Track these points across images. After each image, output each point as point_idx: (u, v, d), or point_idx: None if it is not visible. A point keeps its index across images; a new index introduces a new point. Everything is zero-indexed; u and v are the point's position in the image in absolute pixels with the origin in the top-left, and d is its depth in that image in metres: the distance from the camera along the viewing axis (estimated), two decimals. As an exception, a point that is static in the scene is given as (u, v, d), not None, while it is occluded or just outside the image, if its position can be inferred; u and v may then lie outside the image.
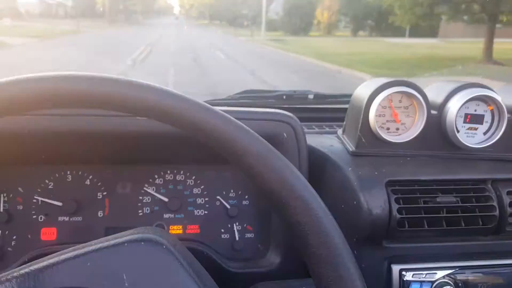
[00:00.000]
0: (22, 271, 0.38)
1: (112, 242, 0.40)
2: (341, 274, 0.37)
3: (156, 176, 0.78)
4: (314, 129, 0.98)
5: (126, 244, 0.40)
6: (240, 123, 0.39)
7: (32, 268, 0.38)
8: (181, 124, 0.38)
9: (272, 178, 0.38)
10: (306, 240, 0.38)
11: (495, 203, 0.67)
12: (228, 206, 0.79)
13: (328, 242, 0.37)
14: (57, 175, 0.75)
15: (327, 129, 0.98)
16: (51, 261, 0.39)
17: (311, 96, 1.12)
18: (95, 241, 0.41)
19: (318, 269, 0.38)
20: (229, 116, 0.39)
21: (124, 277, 0.38)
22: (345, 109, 0.82)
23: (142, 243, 0.40)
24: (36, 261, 0.39)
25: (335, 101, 1.13)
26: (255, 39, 24.55)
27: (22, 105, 0.35)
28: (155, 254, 0.40)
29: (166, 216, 0.78)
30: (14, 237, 0.74)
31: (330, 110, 1.12)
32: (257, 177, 0.38)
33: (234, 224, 0.79)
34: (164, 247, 0.40)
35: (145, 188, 0.78)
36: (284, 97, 1.12)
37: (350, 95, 0.80)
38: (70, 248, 0.40)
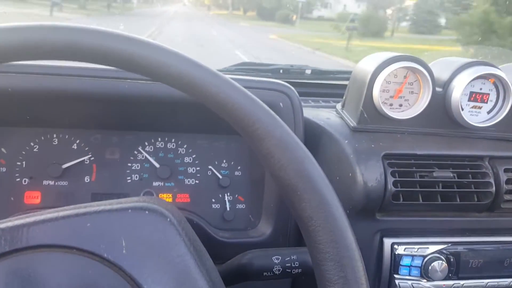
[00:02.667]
0: (18, 222, 0.36)
1: (115, 206, 0.38)
2: (346, 276, 0.35)
3: (146, 143, 0.76)
4: (310, 103, 0.96)
5: (130, 210, 0.38)
6: (265, 105, 0.37)
7: (28, 220, 0.36)
8: (204, 98, 0.36)
9: (290, 167, 0.35)
10: (316, 235, 0.36)
11: (491, 180, 0.67)
12: (220, 176, 0.77)
13: (338, 241, 0.35)
14: (42, 138, 0.73)
15: (324, 103, 0.96)
16: (50, 216, 0.37)
17: (308, 71, 1.09)
18: (97, 202, 0.39)
19: (323, 266, 0.36)
20: (254, 96, 0.37)
21: (123, 243, 0.36)
22: (343, 85, 0.80)
23: (147, 212, 0.38)
24: (34, 213, 0.37)
25: (333, 77, 1.11)
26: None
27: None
28: (158, 225, 0.38)
29: (155, 184, 0.76)
30: None
31: (327, 86, 1.09)
32: (274, 163, 0.36)
33: (226, 195, 0.78)
34: (168, 220, 0.38)
35: (134, 155, 0.76)
36: (281, 71, 1.09)
37: (348, 72, 0.79)
38: (71, 206, 0.38)
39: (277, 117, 0.37)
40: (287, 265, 0.58)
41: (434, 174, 0.65)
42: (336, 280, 0.35)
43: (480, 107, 0.72)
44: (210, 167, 0.78)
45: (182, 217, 0.42)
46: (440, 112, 0.72)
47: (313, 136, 0.75)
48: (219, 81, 0.36)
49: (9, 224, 0.36)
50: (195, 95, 0.36)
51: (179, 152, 0.77)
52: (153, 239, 0.37)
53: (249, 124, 0.36)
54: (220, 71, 1.07)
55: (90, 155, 0.74)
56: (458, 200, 0.67)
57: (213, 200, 0.78)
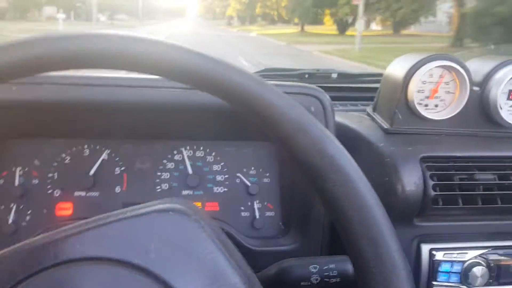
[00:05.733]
0: (44, 240, 0.36)
1: (139, 211, 0.38)
2: (381, 252, 0.34)
3: (175, 152, 0.75)
4: (338, 107, 0.94)
5: (153, 213, 0.38)
6: (276, 88, 0.36)
7: (54, 237, 0.36)
8: (210, 87, 0.35)
9: (310, 147, 0.34)
10: (345, 215, 0.35)
11: None
12: (249, 184, 0.76)
13: (369, 218, 0.34)
14: (74, 149, 0.73)
15: (352, 107, 0.95)
16: (74, 230, 0.36)
17: (334, 75, 1.08)
18: (120, 210, 0.39)
19: (357, 246, 0.35)
20: (265, 80, 0.36)
21: (152, 247, 0.36)
22: (371, 88, 0.79)
23: (171, 212, 0.38)
24: (58, 230, 0.37)
25: (360, 80, 1.10)
26: None
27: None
28: (183, 225, 0.38)
29: (184, 192, 0.75)
30: (29, 211, 0.71)
31: (354, 89, 1.07)
32: (294, 146, 0.35)
33: (255, 202, 0.77)
34: (193, 218, 0.38)
35: (163, 164, 0.75)
36: (307, 75, 1.08)
37: (376, 74, 0.77)
38: (93, 218, 0.38)
39: (291, 98, 0.36)
40: (325, 274, 0.57)
41: (475, 177, 0.63)
42: (371, 257, 0.34)
43: None
44: (238, 174, 0.77)
45: (206, 214, 0.42)
46: (478, 112, 0.69)
47: (346, 140, 0.72)
48: (225, 69, 0.35)
49: (36, 243, 0.35)
50: (203, 87, 0.35)
51: (207, 160, 0.76)
52: (180, 239, 0.37)
53: (264, 109, 0.35)
54: None
55: (120, 165, 0.74)
56: (499, 202, 0.64)
57: (242, 208, 0.77)
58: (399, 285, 0.34)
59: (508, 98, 0.68)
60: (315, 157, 0.34)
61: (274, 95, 0.35)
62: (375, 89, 0.78)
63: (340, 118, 0.77)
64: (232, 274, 0.36)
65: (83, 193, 0.73)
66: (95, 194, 0.73)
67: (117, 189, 0.74)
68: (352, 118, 0.79)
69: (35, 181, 0.72)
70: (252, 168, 0.77)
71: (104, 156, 0.73)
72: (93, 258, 0.35)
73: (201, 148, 0.76)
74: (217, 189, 0.76)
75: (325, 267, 0.57)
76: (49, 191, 0.72)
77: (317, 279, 0.56)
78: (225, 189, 0.76)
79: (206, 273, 0.36)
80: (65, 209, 0.73)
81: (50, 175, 0.72)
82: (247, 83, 0.35)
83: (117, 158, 0.74)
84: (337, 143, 0.36)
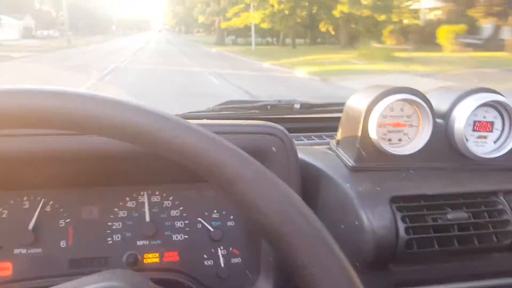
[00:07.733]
0: None
1: None
2: None
3: (127, 199, 0.69)
4: (302, 140, 0.91)
5: None
6: (230, 143, 0.32)
7: None
8: (154, 146, 0.32)
9: (270, 211, 0.31)
10: (315, 285, 0.31)
11: (510, 217, 0.61)
12: (211, 229, 0.71)
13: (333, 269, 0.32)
14: (12, 201, 0.66)
15: (317, 139, 0.91)
16: None
17: (297, 106, 1.05)
18: (57, 286, 0.35)
19: None
20: (215, 135, 0.32)
21: None
22: (335, 118, 0.76)
23: None
24: None
25: (323, 110, 1.07)
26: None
27: None
28: None
29: (139, 243, 0.69)
30: None
31: (318, 120, 1.05)
32: (252, 209, 0.32)
33: (219, 249, 0.71)
34: None
35: (114, 213, 0.69)
36: (269, 107, 1.05)
37: (339, 104, 0.74)
38: None
39: (246, 154, 0.32)
40: None
41: (448, 216, 0.60)
42: None
43: (485, 137, 0.67)
44: (199, 219, 0.71)
45: (149, 285, 0.38)
46: (444, 144, 0.67)
47: (311, 180, 0.69)
48: (171, 125, 0.31)
49: None
50: (148, 146, 0.31)
51: (164, 205, 0.70)
52: None
53: (215, 169, 0.31)
54: (203, 112, 1.03)
55: (65, 217, 0.67)
56: (476, 242, 0.61)
57: (205, 256, 0.70)
58: None
59: (474, 129, 0.67)
60: (276, 220, 0.31)
61: (225, 150, 0.32)
62: (339, 118, 0.74)
63: (303, 154, 0.73)
64: None
65: (23, 251, 0.65)
66: (37, 250, 0.66)
67: (63, 244, 0.67)
68: (316, 154, 0.75)
69: None
70: (215, 211, 0.72)
71: (45, 207, 0.66)
72: None
73: (157, 193, 0.70)
74: (176, 237, 0.71)
75: None
76: None
77: None
78: (186, 236, 0.71)
79: None
80: (4, 269, 0.65)
81: None
82: (198, 141, 0.32)
83: (61, 209, 0.67)
84: (298, 202, 0.32)
